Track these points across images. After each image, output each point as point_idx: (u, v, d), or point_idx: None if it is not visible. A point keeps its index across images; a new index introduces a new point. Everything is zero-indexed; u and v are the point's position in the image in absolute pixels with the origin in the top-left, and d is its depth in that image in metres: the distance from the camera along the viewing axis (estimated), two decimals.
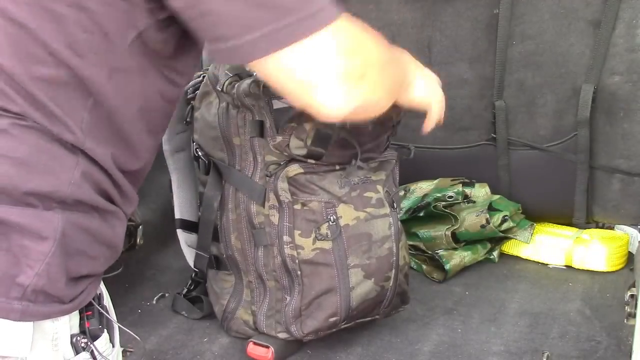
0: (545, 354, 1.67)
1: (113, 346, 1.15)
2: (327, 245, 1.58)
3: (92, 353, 1.08)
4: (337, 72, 1.02)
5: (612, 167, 2.06)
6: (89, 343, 1.08)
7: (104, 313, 1.13)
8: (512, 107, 2.08)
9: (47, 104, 1.00)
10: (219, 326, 1.77)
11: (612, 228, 2.26)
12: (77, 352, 1.07)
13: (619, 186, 2.08)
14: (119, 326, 1.19)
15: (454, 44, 2.06)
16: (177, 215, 1.87)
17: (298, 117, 1.53)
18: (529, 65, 2.02)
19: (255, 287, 1.68)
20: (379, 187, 1.66)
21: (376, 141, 1.64)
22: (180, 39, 1.05)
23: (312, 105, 1.04)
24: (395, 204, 1.70)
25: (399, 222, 1.70)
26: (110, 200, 1.09)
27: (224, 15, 0.96)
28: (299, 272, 1.58)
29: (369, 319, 1.70)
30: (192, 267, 1.85)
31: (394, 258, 1.66)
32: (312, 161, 1.58)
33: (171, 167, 1.85)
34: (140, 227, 2.10)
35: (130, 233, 2.09)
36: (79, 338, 1.07)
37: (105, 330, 1.12)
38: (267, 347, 1.65)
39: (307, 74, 1.01)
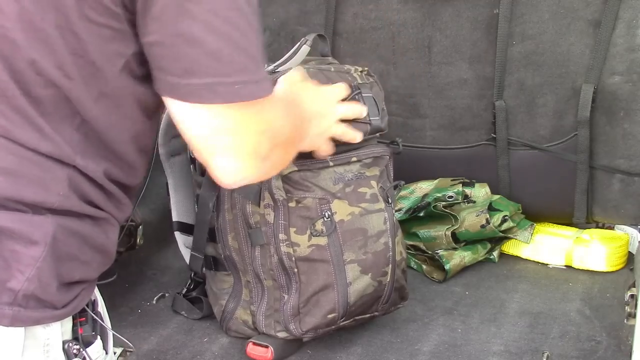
0: (545, 354, 1.67)
1: (106, 353, 1.14)
2: (322, 241, 1.59)
3: (84, 359, 1.07)
4: (245, 149, 1.05)
5: (612, 167, 2.06)
6: (81, 349, 1.07)
7: (98, 319, 1.12)
8: (512, 107, 2.08)
9: (36, 120, 1.00)
10: (219, 326, 1.77)
11: (612, 228, 2.26)
12: (68, 359, 1.06)
13: (619, 186, 2.08)
14: (113, 332, 1.18)
15: (454, 44, 2.06)
16: (175, 218, 1.87)
17: None
18: (529, 65, 2.02)
19: (254, 287, 1.68)
20: (373, 183, 1.67)
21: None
22: None
23: (208, 166, 1.07)
24: (390, 199, 1.70)
25: (395, 218, 1.71)
26: (100, 208, 1.08)
27: (182, 53, 0.98)
28: (295, 270, 1.59)
29: (368, 315, 1.70)
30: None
31: (390, 253, 1.67)
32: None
33: (167, 171, 1.86)
34: (140, 227, 2.10)
35: (130, 233, 2.10)
36: (71, 344, 1.06)
37: (99, 336, 1.11)
38: (267, 346, 1.65)
39: (217, 139, 1.04)
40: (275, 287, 1.64)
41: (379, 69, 2.10)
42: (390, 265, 1.67)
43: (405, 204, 2.15)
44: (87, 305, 1.11)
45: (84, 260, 1.07)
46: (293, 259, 1.58)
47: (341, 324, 1.64)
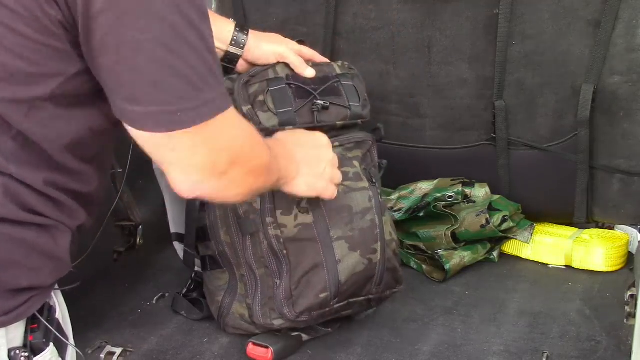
0: (545, 354, 1.67)
1: None
2: (308, 219, 1.60)
3: None
4: (198, 164, 1.05)
5: (613, 167, 2.06)
6: (30, 357, 1.05)
7: (50, 327, 1.09)
8: (512, 107, 2.08)
9: None
10: (219, 327, 1.77)
11: (612, 228, 2.26)
12: None
13: (619, 186, 2.08)
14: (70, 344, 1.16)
15: (454, 44, 2.06)
16: (172, 230, 1.89)
17: None
18: (529, 65, 2.02)
19: (248, 280, 1.69)
20: (356, 163, 1.69)
21: (325, 85, 1.66)
22: None
23: (167, 176, 1.08)
24: (374, 179, 1.71)
25: (380, 197, 1.72)
26: (45, 215, 1.07)
27: (125, 81, 0.98)
28: (284, 252, 1.60)
29: (363, 298, 1.69)
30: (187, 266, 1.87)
31: (378, 230, 1.67)
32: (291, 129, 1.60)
33: (162, 185, 1.88)
34: (140, 227, 2.11)
35: (130, 233, 2.10)
36: (18, 352, 1.04)
37: (52, 344, 1.09)
38: (267, 347, 1.65)
39: (170, 157, 1.04)
40: (268, 275, 1.65)
41: (379, 69, 2.10)
42: (379, 243, 1.67)
43: (405, 204, 2.15)
44: (42, 312, 1.09)
45: (32, 267, 1.06)
46: (281, 240, 1.60)
47: (335, 306, 1.64)
